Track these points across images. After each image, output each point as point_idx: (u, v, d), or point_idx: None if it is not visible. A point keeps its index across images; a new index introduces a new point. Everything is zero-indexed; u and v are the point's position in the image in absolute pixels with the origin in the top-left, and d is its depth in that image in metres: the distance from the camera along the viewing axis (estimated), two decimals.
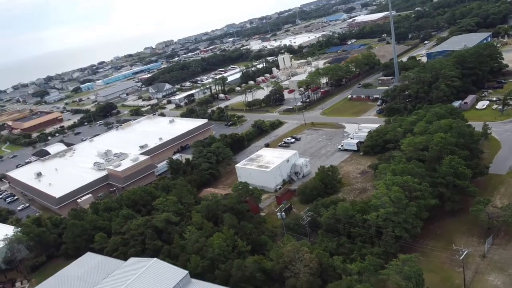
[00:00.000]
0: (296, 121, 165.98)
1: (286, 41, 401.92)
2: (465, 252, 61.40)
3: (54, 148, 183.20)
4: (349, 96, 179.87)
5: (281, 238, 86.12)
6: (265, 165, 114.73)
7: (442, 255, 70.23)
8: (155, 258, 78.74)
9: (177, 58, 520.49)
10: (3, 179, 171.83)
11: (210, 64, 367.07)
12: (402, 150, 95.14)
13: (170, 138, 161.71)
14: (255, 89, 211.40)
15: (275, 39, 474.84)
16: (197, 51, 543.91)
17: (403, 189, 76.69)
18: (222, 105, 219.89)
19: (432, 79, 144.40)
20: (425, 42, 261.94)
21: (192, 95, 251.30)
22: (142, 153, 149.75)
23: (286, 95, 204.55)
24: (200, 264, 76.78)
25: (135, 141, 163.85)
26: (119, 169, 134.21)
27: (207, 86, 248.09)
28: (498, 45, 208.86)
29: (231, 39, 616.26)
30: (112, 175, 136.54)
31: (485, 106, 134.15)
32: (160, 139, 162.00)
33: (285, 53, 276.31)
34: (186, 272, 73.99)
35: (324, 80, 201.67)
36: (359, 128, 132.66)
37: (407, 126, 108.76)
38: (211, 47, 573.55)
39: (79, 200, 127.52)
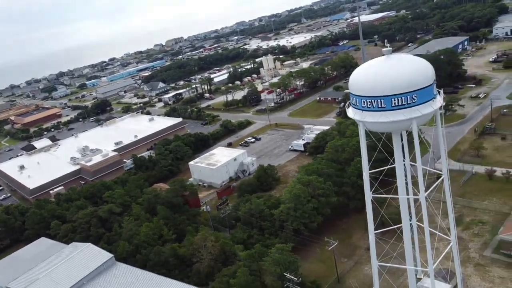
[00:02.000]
0: (265, 122, 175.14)
1: (283, 41, 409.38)
2: (335, 244, 70.18)
3: (41, 143, 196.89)
4: (318, 98, 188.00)
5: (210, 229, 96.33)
6: (214, 163, 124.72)
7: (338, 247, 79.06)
8: (89, 243, 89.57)
9: (181, 56, 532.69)
10: None
11: (207, 63, 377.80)
12: (326, 152, 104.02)
13: (144, 136, 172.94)
14: (236, 90, 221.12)
15: (276, 38, 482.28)
16: (201, 49, 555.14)
17: (307, 187, 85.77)
18: (205, 104, 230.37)
19: None
20: (409, 44, 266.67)
21: (180, 94, 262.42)
22: (116, 150, 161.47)
23: (265, 96, 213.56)
24: (125, 249, 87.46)
25: (114, 138, 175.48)
26: (89, 164, 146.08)
27: (193, 86, 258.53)
28: (472, 49, 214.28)
29: (236, 37, 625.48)
30: (84, 169, 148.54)
31: None
32: (135, 136, 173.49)
33: (269, 54, 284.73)
34: (111, 255, 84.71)
35: (301, 82, 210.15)
36: (311, 130, 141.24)
37: (343, 129, 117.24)
38: (215, 45, 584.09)
39: (51, 192, 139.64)
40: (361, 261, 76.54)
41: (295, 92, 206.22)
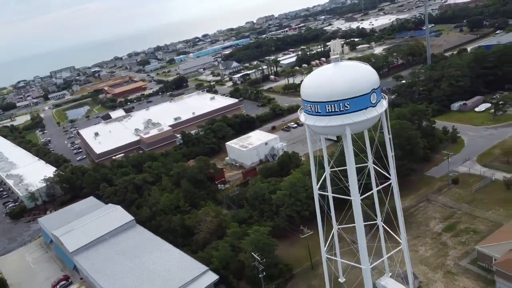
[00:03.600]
0: None
1: (366, 23, 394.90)
2: (309, 233, 74.62)
3: (116, 113, 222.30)
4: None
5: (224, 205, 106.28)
6: (246, 145, 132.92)
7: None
8: (118, 206, 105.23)
9: (265, 35, 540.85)
10: (78, 135, 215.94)
11: (284, 44, 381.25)
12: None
13: (201, 113, 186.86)
14: (297, 74, 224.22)
15: (362, 19, 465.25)
16: (286, 29, 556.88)
17: (305, 177, 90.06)
18: (268, 86, 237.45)
19: (438, 77, 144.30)
20: (498, 31, 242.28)
21: (248, 74, 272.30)
22: (174, 125, 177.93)
23: None
24: (146, 214, 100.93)
25: (176, 113, 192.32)
26: (146, 136, 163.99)
27: (260, 67, 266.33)
28: None
29: (323, 17, 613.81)
30: (142, 140, 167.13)
31: (483, 109, 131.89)
32: (193, 113, 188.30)
33: (337, 38, 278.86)
34: (132, 218, 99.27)
35: None
36: None
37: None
38: (301, 24, 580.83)
39: (113, 157, 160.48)
40: (345, 252, 79.81)
41: None
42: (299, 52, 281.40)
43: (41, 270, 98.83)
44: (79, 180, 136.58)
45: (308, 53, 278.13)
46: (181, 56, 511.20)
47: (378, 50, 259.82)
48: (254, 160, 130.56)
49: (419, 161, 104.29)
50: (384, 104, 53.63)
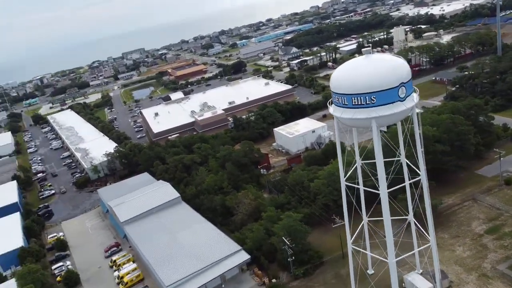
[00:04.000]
0: None
1: (437, 8, 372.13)
2: (340, 223, 75.12)
3: (176, 95, 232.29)
4: (433, 78, 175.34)
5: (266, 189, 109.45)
6: (293, 132, 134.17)
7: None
8: (168, 183, 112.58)
9: (329, 20, 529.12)
10: (141, 114, 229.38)
11: (346, 30, 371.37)
12: None
13: (254, 99, 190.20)
14: None
15: (433, 5, 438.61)
16: (352, 14, 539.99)
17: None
18: (324, 73, 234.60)
19: (504, 69, 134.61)
20: None
21: (305, 61, 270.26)
22: (228, 108, 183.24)
23: None
24: (191, 192, 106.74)
25: (230, 97, 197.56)
26: (199, 118, 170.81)
27: (318, 54, 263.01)
28: None
29: (391, 1, 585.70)
30: (196, 123, 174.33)
31: None
32: (247, 98, 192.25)
33: (400, 26, 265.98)
34: (178, 195, 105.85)
35: (426, 58, 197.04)
36: None
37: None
38: (368, 9, 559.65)
39: (169, 137, 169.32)
40: (374, 244, 79.55)
41: (415, 68, 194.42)
42: (360, 39, 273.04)
43: (97, 236, 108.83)
44: (136, 157, 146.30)
45: (370, 40, 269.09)
46: (243, 40, 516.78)
47: (446, 38, 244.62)
48: (300, 147, 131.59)
49: (470, 158, 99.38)
50: (414, 98, 52.75)
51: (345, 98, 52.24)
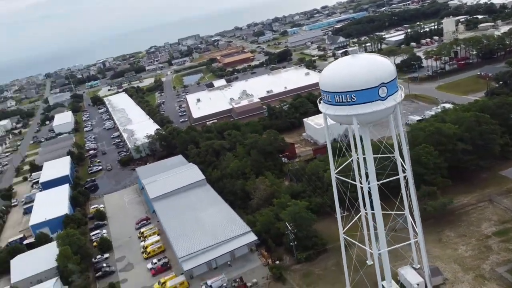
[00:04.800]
0: (407, 91, 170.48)
1: None
2: (344, 214, 78.45)
3: (219, 82, 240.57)
4: (478, 73, 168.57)
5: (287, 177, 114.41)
6: (321, 122, 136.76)
7: None
8: (196, 166, 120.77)
9: (384, 8, 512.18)
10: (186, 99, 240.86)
11: (399, 19, 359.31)
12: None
13: (292, 88, 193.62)
14: (401, 53, 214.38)
15: None
16: (409, 1, 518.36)
17: None
18: None
19: None
20: None
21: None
22: (266, 97, 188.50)
23: (430, 62, 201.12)
24: (215, 176, 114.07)
25: (269, 86, 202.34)
26: (236, 106, 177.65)
27: (363, 44, 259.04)
28: None
29: None
30: (233, 110, 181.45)
31: None
32: (285, 87, 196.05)
33: (451, 16, 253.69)
34: (203, 178, 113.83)
35: (473, 51, 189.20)
36: (442, 107, 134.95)
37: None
38: None
39: (207, 123, 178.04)
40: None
41: (460, 62, 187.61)
42: (409, 30, 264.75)
43: (132, 210, 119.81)
44: (174, 139, 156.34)
45: (419, 31, 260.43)
46: (294, 28, 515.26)
47: (504, 29, 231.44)
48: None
49: (495, 158, 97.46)
50: (397, 98, 54.88)
51: (329, 95, 55.83)
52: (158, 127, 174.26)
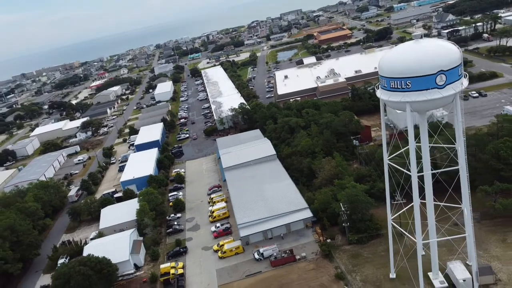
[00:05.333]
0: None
1: None
2: (399, 201, 76.42)
3: (308, 60, 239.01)
4: None
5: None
6: None
7: None
8: (268, 141, 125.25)
9: None
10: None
11: None
12: None
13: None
14: None
15: None
16: None
17: None
18: (475, 46, 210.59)
19: None
20: None
21: (458, 30, 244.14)
22: (353, 77, 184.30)
23: None
24: (285, 152, 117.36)
25: (360, 66, 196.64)
26: (321, 85, 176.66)
27: (473, 24, 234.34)
28: None
29: None
30: (318, 88, 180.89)
31: None
32: (375, 68, 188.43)
33: None
34: (274, 153, 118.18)
35: None
36: None
37: None
38: None
39: (291, 100, 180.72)
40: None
41: None
42: None
43: (208, 177, 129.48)
44: (256, 114, 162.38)
45: None
46: (401, 4, 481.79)
47: None
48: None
49: None
50: (457, 87, 51.81)
51: (385, 80, 54.91)
52: (243, 101, 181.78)
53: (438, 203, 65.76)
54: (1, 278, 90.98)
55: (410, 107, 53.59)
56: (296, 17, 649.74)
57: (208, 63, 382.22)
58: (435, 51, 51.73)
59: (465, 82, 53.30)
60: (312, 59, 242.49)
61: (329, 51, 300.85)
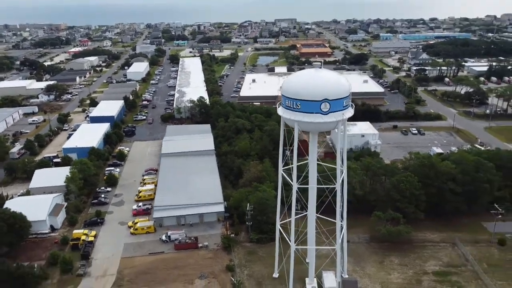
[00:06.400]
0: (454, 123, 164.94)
1: None
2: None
3: (280, 69, 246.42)
4: None
5: None
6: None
7: None
8: (211, 136, 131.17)
9: (491, 34, 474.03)
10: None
11: (498, 49, 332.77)
12: None
13: None
14: (476, 84, 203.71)
15: None
16: None
17: None
18: (433, 88, 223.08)
19: None
20: None
21: (424, 70, 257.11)
22: None
23: (494, 101, 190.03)
24: (224, 150, 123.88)
25: None
26: (280, 94, 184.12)
27: (437, 66, 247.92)
28: None
29: None
30: (278, 97, 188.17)
31: None
32: None
33: None
34: (213, 149, 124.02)
35: None
36: None
37: None
38: None
39: (252, 103, 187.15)
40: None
41: None
42: (494, 63, 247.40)
43: (149, 159, 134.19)
44: (212, 109, 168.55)
45: (507, 66, 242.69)
46: (388, 34, 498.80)
47: None
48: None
49: (484, 207, 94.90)
50: (339, 116, 59.30)
51: (283, 98, 62.14)
52: (206, 95, 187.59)
53: (321, 216, 73.19)
54: None
55: (298, 126, 60.95)
56: (289, 26, 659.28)
57: (190, 52, 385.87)
58: (325, 81, 59.31)
59: (347, 113, 60.91)
60: (284, 69, 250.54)
61: (306, 64, 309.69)
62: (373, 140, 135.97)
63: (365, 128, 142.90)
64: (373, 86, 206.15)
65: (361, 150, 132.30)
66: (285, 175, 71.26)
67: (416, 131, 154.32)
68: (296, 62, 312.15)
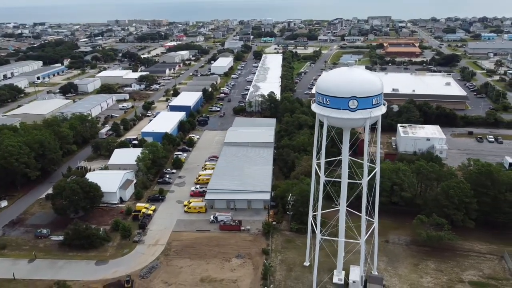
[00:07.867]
0: None
1: None
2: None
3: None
4: None
5: None
6: (409, 132, 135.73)
7: None
8: (273, 131, 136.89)
9: None
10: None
11: None
12: None
13: (417, 93, 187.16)
14: None
15: None
16: None
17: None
18: None
19: None
20: None
21: None
22: (388, 94, 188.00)
23: None
24: (283, 143, 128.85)
25: (398, 85, 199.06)
26: None
27: None
28: None
29: None
30: None
31: None
32: (413, 90, 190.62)
33: None
34: (272, 141, 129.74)
35: None
36: None
37: None
38: None
39: None
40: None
41: None
42: None
43: (215, 147, 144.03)
44: (281, 105, 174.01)
45: None
46: (492, 34, 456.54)
47: None
48: (407, 148, 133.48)
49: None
50: (366, 114, 60.68)
51: (316, 94, 65.34)
52: (277, 91, 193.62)
53: (352, 210, 74.85)
54: (23, 179, 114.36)
55: (328, 121, 63.83)
56: (382, 23, 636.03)
57: (275, 49, 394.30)
58: (354, 79, 61.14)
59: (376, 112, 62.04)
60: (362, 68, 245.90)
61: (390, 64, 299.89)
62: (439, 144, 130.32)
63: (432, 131, 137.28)
64: (455, 89, 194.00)
65: (422, 154, 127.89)
66: (317, 168, 74.11)
67: (493, 139, 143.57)
68: (378, 62, 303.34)
